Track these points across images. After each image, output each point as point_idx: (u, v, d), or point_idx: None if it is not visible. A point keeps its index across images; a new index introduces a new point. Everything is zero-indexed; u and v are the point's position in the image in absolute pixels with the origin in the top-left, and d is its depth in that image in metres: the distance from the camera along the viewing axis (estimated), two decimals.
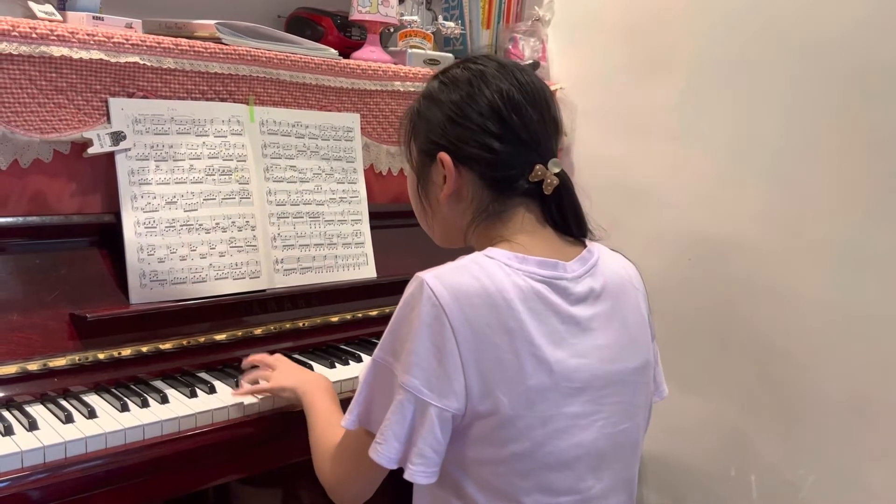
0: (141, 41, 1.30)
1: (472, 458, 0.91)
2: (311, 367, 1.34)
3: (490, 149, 0.97)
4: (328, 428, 1.06)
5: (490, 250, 0.94)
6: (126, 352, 1.23)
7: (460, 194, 1.00)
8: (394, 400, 0.89)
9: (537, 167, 0.97)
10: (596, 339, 0.95)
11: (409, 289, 0.91)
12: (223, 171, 1.39)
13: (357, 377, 1.31)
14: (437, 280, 0.89)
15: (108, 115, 1.29)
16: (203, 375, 1.29)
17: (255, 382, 1.23)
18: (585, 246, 1.01)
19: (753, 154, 1.66)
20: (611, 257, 1.04)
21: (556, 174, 0.98)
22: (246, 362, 1.28)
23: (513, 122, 0.97)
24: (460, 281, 0.89)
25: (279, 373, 1.22)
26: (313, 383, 1.18)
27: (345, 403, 1.14)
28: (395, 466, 0.90)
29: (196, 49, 1.37)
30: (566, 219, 1.00)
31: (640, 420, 1.01)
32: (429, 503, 0.96)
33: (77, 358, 1.19)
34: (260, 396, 1.22)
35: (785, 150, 1.61)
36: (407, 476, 0.90)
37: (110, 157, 1.28)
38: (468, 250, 0.99)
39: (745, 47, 1.66)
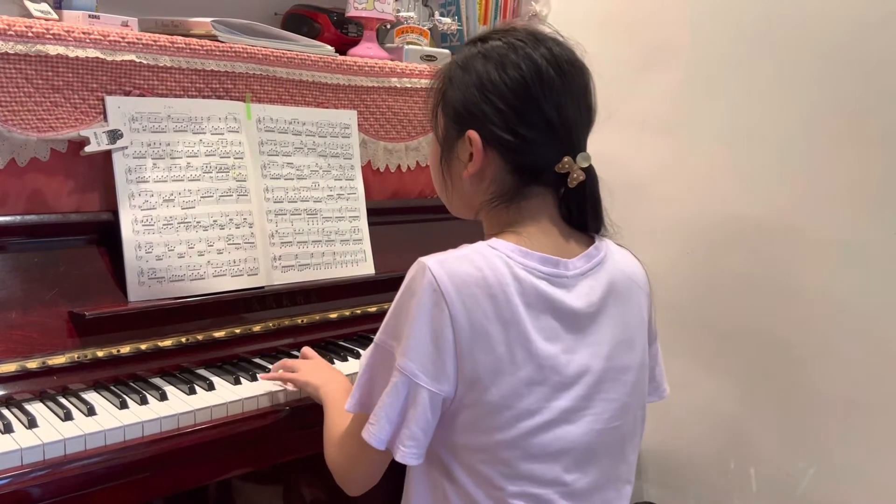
0: (137, 39, 1.30)
1: (460, 444, 0.92)
2: None
3: (520, 135, 0.94)
4: (339, 418, 1.07)
5: (495, 241, 0.94)
6: (125, 349, 1.24)
7: (483, 174, 0.97)
8: (389, 382, 0.90)
9: (565, 159, 0.95)
10: (592, 336, 0.95)
11: (412, 273, 0.91)
12: (220, 168, 1.40)
13: (356, 373, 1.33)
14: (440, 266, 0.89)
15: (104, 113, 1.29)
16: (202, 372, 1.29)
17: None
18: (594, 241, 1.00)
19: (752, 147, 1.66)
20: (619, 255, 1.02)
21: (583, 168, 0.95)
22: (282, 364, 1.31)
23: (547, 106, 0.93)
24: (462, 269, 0.89)
25: (308, 367, 1.24)
26: (337, 382, 1.18)
27: None
28: (384, 447, 0.91)
29: (192, 47, 1.37)
30: (583, 213, 0.99)
31: (631, 419, 1.00)
32: (423, 485, 0.98)
33: (76, 356, 1.19)
34: (262, 392, 1.22)
35: (786, 144, 1.61)
36: (398, 458, 0.91)
37: (107, 155, 1.29)
38: (479, 225, 1.00)
39: (742, 40, 1.66)
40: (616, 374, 0.97)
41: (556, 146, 0.95)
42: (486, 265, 0.90)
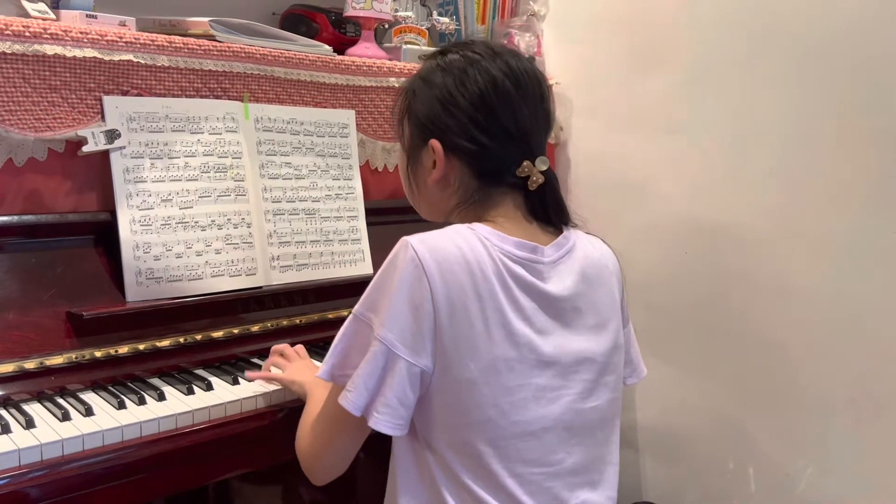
0: (135, 39, 1.30)
1: (441, 423, 0.95)
2: None
3: (479, 142, 1.00)
4: (315, 408, 1.08)
5: (474, 224, 0.99)
6: (123, 349, 1.23)
7: (447, 180, 1.03)
8: (368, 351, 0.93)
9: (525, 164, 1.00)
10: (567, 318, 0.99)
11: (395, 249, 0.95)
12: (218, 168, 1.39)
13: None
14: (422, 243, 0.93)
15: (102, 113, 1.29)
16: (200, 373, 1.29)
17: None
18: (562, 231, 1.05)
19: (750, 147, 1.66)
20: (588, 241, 1.07)
21: (542, 172, 1.01)
22: (274, 349, 1.32)
23: (503, 116, 0.99)
24: (443, 246, 0.93)
25: (295, 366, 1.25)
26: (323, 383, 1.18)
27: None
28: (360, 413, 0.94)
29: (190, 46, 1.37)
30: (547, 210, 1.03)
31: (609, 398, 1.04)
32: (411, 472, 0.99)
33: (74, 356, 1.19)
34: (260, 392, 1.22)
35: (782, 144, 1.61)
36: (371, 424, 0.93)
37: (105, 155, 1.28)
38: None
39: (741, 40, 1.66)
40: (593, 355, 1.01)
41: (514, 151, 1.01)
42: (465, 244, 0.94)
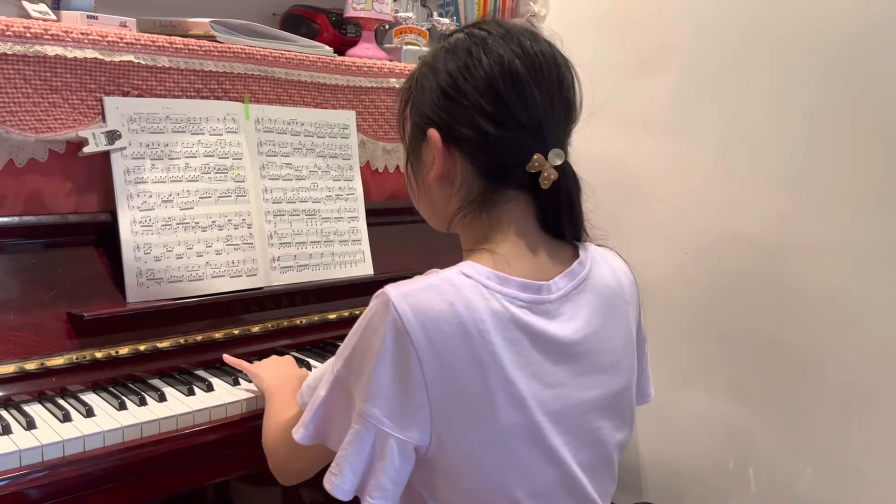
0: (135, 40, 1.30)
1: (440, 486, 0.85)
2: (308, 365, 1.34)
3: (483, 132, 0.86)
4: (279, 409, 1.06)
5: (468, 266, 0.85)
6: (123, 350, 1.23)
7: (449, 178, 0.90)
8: (351, 428, 0.82)
9: (535, 157, 0.86)
10: (577, 364, 0.88)
11: (374, 305, 0.82)
12: (219, 169, 1.39)
13: None
14: (405, 301, 0.80)
15: (103, 113, 1.29)
16: (201, 373, 1.29)
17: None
18: (577, 254, 0.93)
19: (749, 148, 1.66)
20: (603, 261, 0.95)
21: (556, 167, 0.87)
22: None
23: (512, 103, 0.85)
24: (430, 304, 0.80)
25: (264, 363, 1.25)
26: (284, 379, 1.16)
27: None
28: (348, 499, 0.84)
29: (191, 47, 1.37)
30: (560, 219, 0.90)
31: (616, 443, 0.95)
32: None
33: (74, 357, 1.19)
34: (256, 393, 1.22)
35: (783, 144, 1.61)
36: None
37: (106, 155, 1.28)
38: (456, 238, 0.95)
39: (740, 41, 1.66)
40: (603, 401, 0.91)
41: (525, 143, 0.86)
42: (458, 298, 0.81)
